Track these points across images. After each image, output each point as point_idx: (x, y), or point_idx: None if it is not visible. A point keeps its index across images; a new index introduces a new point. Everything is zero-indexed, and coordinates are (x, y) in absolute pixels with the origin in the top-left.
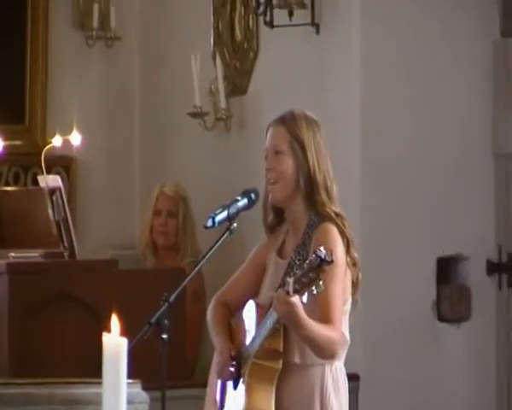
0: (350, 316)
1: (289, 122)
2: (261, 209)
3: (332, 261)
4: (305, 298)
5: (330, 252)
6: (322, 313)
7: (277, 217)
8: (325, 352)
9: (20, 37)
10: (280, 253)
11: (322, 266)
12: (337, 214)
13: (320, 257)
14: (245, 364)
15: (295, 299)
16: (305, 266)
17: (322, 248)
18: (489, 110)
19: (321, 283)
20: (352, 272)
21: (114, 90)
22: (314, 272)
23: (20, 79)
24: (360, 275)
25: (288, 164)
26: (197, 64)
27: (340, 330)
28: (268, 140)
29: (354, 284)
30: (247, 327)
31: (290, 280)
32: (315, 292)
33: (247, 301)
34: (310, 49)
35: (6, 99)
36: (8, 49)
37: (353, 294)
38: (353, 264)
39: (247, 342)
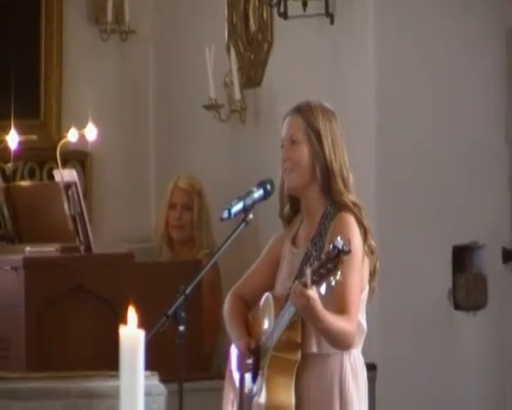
0: (366, 306)
1: (305, 112)
2: (276, 201)
3: (350, 251)
4: (323, 289)
5: (348, 242)
6: (339, 304)
7: (293, 207)
8: (340, 344)
9: (34, 31)
10: (294, 242)
11: (340, 256)
12: (354, 204)
13: (338, 247)
14: (263, 357)
15: (312, 292)
16: (322, 256)
17: (339, 239)
18: (503, 99)
19: (339, 273)
20: (370, 261)
21: (129, 83)
22: (332, 262)
23: (34, 74)
24: (378, 263)
25: (304, 153)
26: (211, 56)
27: (355, 321)
28: (284, 130)
29: (372, 273)
30: (264, 320)
31: (308, 271)
32: (333, 283)
33: (263, 294)
34: (324, 39)
35: (21, 94)
36: (23, 44)
37: (370, 282)
38: (371, 252)
39: (265, 335)
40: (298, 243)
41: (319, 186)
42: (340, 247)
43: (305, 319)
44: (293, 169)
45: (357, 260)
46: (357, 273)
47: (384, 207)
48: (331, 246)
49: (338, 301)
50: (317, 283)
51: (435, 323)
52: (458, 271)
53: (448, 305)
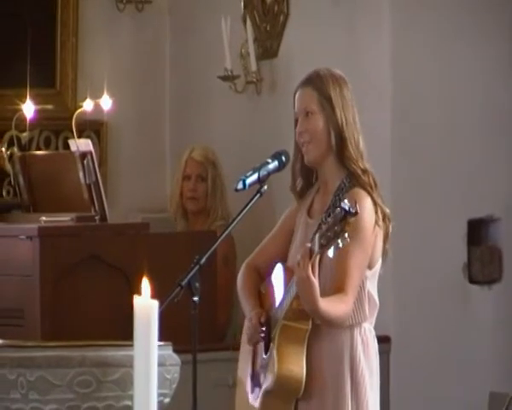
0: (381, 278)
1: (315, 81)
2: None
3: (357, 213)
4: (331, 252)
5: (354, 203)
6: (338, 281)
7: (307, 180)
8: (331, 325)
9: (50, 0)
10: (309, 212)
11: (346, 218)
12: (364, 171)
13: (344, 209)
14: (275, 327)
15: (315, 279)
16: (329, 220)
17: (346, 201)
18: None
19: (346, 235)
20: (383, 227)
21: (145, 53)
22: (339, 225)
23: (50, 43)
24: (391, 227)
25: (320, 123)
26: (227, 27)
27: (351, 302)
28: (297, 104)
29: (385, 238)
30: (276, 291)
31: (316, 237)
32: (340, 245)
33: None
34: (340, 11)
35: (37, 63)
36: (39, 13)
37: (384, 246)
38: (383, 217)
39: (276, 305)
40: (313, 214)
41: (334, 154)
42: (347, 208)
43: (299, 292)
44: (311, 141)
45: (365, 239)
46: (363, 254)
47: (399, 181)
48: (337, 209)
49: (338, 278)
50: (324, 246)
51: (450, 296)
52: (473, 244)
53: (463, 278)
